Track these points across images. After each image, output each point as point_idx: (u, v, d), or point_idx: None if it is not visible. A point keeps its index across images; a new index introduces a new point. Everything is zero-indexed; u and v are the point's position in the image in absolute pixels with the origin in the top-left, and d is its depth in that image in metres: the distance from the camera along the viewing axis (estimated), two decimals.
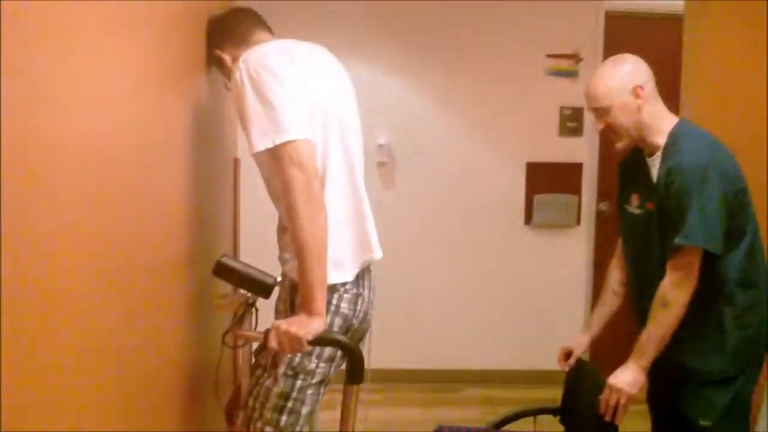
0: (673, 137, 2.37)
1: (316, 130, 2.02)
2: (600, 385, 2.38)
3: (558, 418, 2.73)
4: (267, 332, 1.94)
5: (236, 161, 3.19)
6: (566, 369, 2.70)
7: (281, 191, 1.95)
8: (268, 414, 2.10)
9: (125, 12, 1.54)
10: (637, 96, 2.36)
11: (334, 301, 2.10)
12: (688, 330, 2.31)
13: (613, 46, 4.55)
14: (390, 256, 4.78)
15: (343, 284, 2.11)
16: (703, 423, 2.34)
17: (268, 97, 1.92)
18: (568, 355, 2.70)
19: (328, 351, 2.11)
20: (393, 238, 4.73)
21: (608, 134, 2.42)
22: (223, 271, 2.19)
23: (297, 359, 2.07)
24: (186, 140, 2.20)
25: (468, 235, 5.09)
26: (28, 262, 1.09)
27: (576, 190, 5.06)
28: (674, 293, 2.27)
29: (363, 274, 2.19)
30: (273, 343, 1.90)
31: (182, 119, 2.16)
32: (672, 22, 4.32)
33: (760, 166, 3.02)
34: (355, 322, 2.14)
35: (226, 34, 2.25)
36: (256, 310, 2.28)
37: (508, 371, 4.97)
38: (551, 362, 2.85)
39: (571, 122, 5.06)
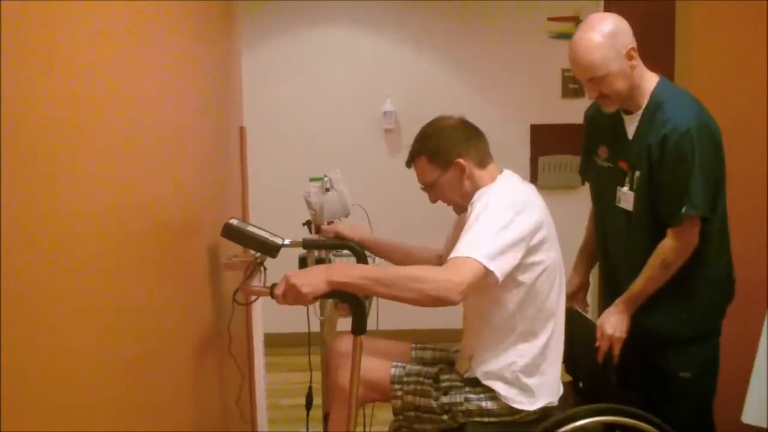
0: (656, 98, 2.35)
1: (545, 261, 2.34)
2: (592, 330, 2.51)
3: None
4: (273, 285, 2.04)
5: (242, 130, 3.26)
6: (582, 309, 2.79)
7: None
8: None
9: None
10: (630, 58, 2.29)
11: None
12: (662, 292, 2.40)
13: (613, 9, 4.56)
14: (396, 222, 4.87)
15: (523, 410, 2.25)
16: (683, 375, 2.43)
17: (497, 225, 2.13)
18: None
19: None
20: (400, 204, 4.82)
21: (600, 100, 2.38)
22: (231, 232, 2.31)
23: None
24: (199, 110, 2.30)
25: None
26: (55, 218, 1.12)
27: (580, 151, 5.11)
28: (676, 257, 2.35)
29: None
30: (279, 290, 2.00)
31: (196, 95, 2.26)
32: None
33: (759, 154, 2.95)
34: None
35: (472, 149, 2.38)
36: (265, 269, 2.39)
37: None
38: None
39: (573, 84, 5.12)
